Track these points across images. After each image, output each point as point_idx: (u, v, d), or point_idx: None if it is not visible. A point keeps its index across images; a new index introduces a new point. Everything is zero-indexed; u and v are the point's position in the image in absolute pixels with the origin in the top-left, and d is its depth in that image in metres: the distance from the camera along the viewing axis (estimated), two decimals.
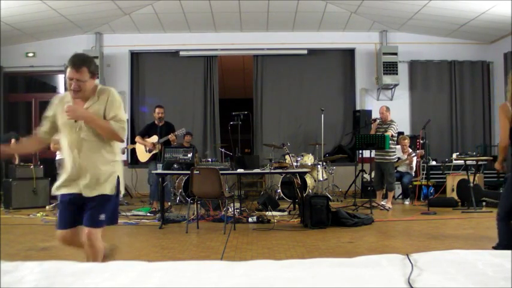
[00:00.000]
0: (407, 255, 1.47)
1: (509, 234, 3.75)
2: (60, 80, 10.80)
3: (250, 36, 10.38)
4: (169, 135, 7.11)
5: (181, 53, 10.47)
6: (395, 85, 10.15)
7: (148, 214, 6.82)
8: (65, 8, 8.53)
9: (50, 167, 8.23)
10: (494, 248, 3.74)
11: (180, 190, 8.41)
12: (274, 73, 10.74)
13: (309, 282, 1.25)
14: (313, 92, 10.68)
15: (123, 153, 9.25)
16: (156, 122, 7.33)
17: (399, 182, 8.44)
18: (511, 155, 4.03)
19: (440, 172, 9.03)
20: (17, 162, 8.32)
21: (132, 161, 10.01)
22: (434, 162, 9.27)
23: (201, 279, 1.28)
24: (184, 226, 5.63)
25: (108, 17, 9.43)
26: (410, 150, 8.51)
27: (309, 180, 8.52)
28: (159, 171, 6.21)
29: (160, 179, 6.26)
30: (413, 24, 9.72)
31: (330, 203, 5.93)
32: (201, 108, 10.67)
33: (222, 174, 5.53)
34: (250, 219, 6.15)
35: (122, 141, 2.82)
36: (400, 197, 8.61)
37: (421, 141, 8.44)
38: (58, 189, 2.80)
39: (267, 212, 6.52)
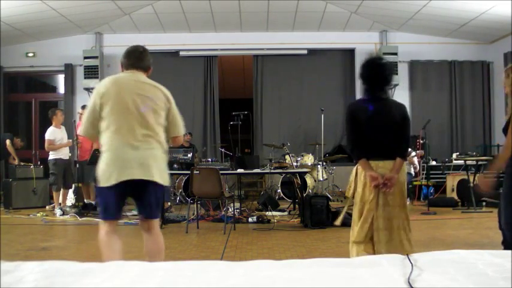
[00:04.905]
0: (407, 255, 1.47)
1: None
2: (60, 80, 10.80)
3: (250, 36, 10.37)
4: None
5: (181, 53, 10.46)
6: (395, 85, 10.12)
7: None
8: (65, 8, 8.53)
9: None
10: None
11: (180, 190, 8.41)
12: (274, 73, 10.72)
13: (309, 282, 1.25)
14: (313, 92, 10.67)
15: None
16: None
17: None
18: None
19: (440, 172, 9.03)
20: (16, 162, 8.32)
21: None
22: (434, 162, 9.26)
23: (201, 279, 1.28)
24: (184, 226, 5.63)
25: (108, 17, 9.42)
26: (409, 150, 8.50)
27: (309, 180, 8.52)
28: None
29: None
30: (413, 24, 9.71)
31: (330, 203, 5.93)
32: (201, 108, 10.66)
33: (222, 174, 5.53)
34: (250, 219, 6.15)
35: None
36: None
37: (421, 141, 8.44)
38: None
39: (267, 212, 6.52)
